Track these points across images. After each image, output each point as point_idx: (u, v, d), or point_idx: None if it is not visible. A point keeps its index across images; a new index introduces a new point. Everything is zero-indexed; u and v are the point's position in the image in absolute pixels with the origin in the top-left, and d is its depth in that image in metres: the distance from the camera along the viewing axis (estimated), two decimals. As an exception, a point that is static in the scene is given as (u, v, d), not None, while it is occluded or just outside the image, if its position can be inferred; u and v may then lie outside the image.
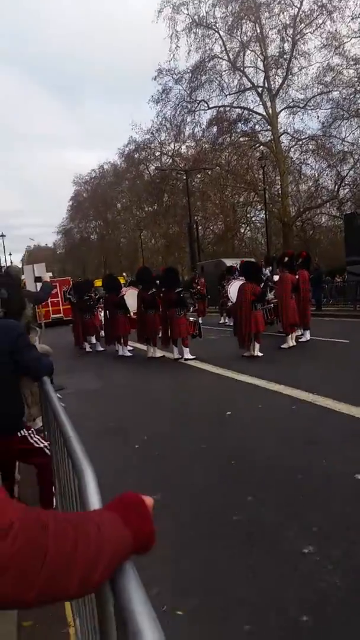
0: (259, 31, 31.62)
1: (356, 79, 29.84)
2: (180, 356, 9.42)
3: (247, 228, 43.15)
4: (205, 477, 3.59)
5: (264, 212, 29.73)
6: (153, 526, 0.78)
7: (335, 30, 30.14)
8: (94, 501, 0.94)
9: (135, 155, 43.50)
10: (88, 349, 12.33)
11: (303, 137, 32.98)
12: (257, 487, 3.33)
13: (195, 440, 4.47)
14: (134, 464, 4.00)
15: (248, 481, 3.45)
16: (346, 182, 33.08)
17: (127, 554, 0.74)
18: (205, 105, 35.55)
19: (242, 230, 43.49)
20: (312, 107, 32.12)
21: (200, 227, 39.49)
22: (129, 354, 10.79)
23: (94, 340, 12.68)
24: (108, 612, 0.84)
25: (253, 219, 41.41)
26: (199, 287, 17.26)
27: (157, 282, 10.58)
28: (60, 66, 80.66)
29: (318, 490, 3.21)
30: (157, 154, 43.12)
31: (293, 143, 33.81)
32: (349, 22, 29.86)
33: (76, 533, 0.67)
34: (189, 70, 34.07)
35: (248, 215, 40.75)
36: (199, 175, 38.69)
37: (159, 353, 10.11)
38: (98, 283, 19.24)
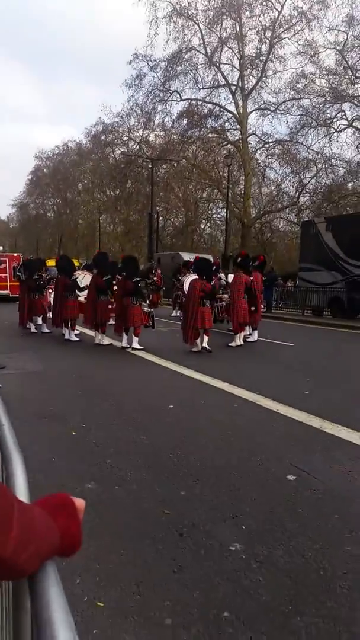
0: (238, 29, 31.74)
1: (327, 89, 30.57)
2: (129, 345, 9.36)
3: (208, 224, 43.54)
4: (140, 469, 3.57)
5: (225, 210, 29.99)
6: (80, 529, 0.76)
7: (312, 39, 30.80)
8: (22, 495, 0.89)
9: (102, 137, 42.70)
10: (33, 329, 12.00)
11: (270, 140, 33.56)
12: (192, 483, 3.35)
13: (134, 430, 4.44)
14: (70, 451, 3.92)
15: (183, 476, 3.46)
16: (307, 190, 33.98)
17: (54, 550, 0.72)
18: (178, 96, 35.38)
19: (202, 226, 43.81)
20: (282, 112, 32.72)
21: (161, 218, 39.44)
22: (75, 338, 10.60)
23: (40, 321, 12.33)
24: (24, 616, 0.79)
25: (214, 216, 41.83)
26: (155, 277, 17.34)
27: (114, 269, 10.47)
28: (36, 40, 77.94)
29: (250, 489, 3.27)
30: (125, 138, 42.48)
31: (260, 145, 34.34)
32: (326, 32, 30.62)
33: (10, 498, 0.66)
34: (165, 59, 33.85)
35: (209, 212, 41.10)
36: (164, 166, 38.49)
37: (106, 340, 10.00)
38: (50, 263, 18.76)
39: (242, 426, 4.64)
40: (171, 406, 5.31)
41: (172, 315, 16.61)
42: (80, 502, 0.78)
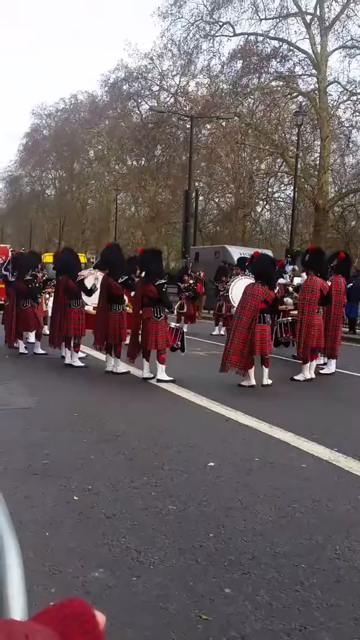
0: None
1: None
2: (152, 375, 9.39)
3: (266, 207, 43.61)
4: (167, 552, 3.54)
5: (292, 187, 29.97)
6: None
7: None
8: (17, 606, 0.85)
9: (124, 87, 43.64)
10: (22, 349, 12.21)
11: (359, 90, 33.37)
12: (240, 576, 3.30)
13: (161, 497, 4.43)
14: (70, 524, 3.93)
15: (228, 565, 3.41)
16: None
17: None
18: (231, 29, 35.83)
19: (259, 210, 43.90)
20: (377, 52, 32.48)
21: (201, 198, 39.77)
22: (80, 363, 10.72)
23: (32, 338, 12.54)
24: None
25: (276, 195, 41.91)
26: (191, 281, 17.41)
27: (132, 267, 10.57)
28: None
29: (327, 590, 3.18)
30: (155, 88, 43.36)
31: (345, 97, 34.27)
32: None
33: None
34: (214, -23, 34.14)
35: (269, 190, 41.17)
36: (208, 126, 38.96)
37: (122, 367, 10.05)
38: (48, 258, 19.19)
39: (313, 497, 4.55)
40: (212, 464, 5.27)
41: (214, 333, 16.65)
42: (101, 617, 0.77)
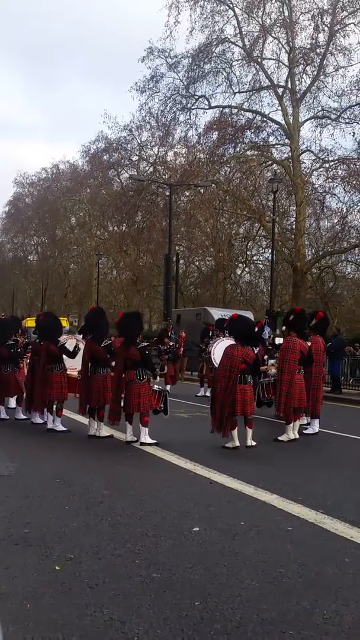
0: (287, 14, 33.48)
1: None
2: (135, 439, 9.30)
3: (246, 270, 44.35)
4: (152, 622, 3.43)
5: (270, 251, 30.59)
6: None
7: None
8: None
9: (104, 157, 44.77)
10: (4, 414, 12.05)
11: (331, 158, 34.53)
12: (228, 646, 3.20)
13: (144, 565, 4.32)
14: (51, 595, 3.81)
15: (215, 635, 3.31)
16: (383, 224, 34.57)
17: None
18: (206, 102, 37.10)
19: (239, 272, 44.66)
20: (347, 121, 33.74)
21: (182, 261, 40.55)
22: (62, 427, 10.59)
23: (12, 403, 12.39)
24: None
25: (255, 258, 42.76)
26: (171, 343, 17.55)
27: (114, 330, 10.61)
28: (30, 32, 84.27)
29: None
30: (135, 158, 44.61)
31: (317, 165, 35.39)
32: None
33: None
34: (189, 55, 35.72)
35: (248, 253, 41.95)
36: (187, 193, 39.94)
37: (105, 431, 9.95)
38: (30, 323, 19.23)
39: (299, 560, 4.47)
40: (196, 529, 5.18)
41: (198, 395, 16.59)
42: None
